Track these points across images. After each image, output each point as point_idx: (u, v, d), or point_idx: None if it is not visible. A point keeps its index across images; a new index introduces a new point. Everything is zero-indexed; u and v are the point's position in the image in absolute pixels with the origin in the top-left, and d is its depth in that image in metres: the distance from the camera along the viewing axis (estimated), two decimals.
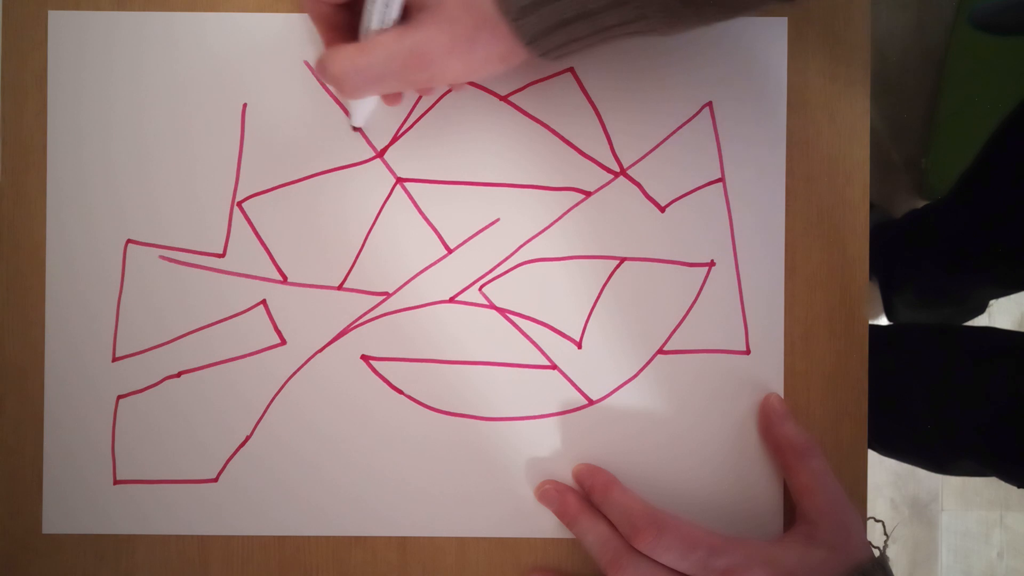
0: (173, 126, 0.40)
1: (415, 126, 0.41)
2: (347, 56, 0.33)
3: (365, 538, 0.41)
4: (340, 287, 0.41)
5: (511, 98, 0.41)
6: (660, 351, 0.41)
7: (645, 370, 0.40)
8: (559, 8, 0.31)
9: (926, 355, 0.68)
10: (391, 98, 0.39)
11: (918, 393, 0.65)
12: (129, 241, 0.40)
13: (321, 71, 0.34)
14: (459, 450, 0.40)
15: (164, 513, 0.40)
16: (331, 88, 0.34)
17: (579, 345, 0.41)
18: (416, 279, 0.41)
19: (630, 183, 0.41)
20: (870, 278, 0.41)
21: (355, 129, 0.40)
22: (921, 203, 1.06)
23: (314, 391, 0.41)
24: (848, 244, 0.41)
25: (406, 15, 0.33)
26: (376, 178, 0.41)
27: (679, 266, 0.41)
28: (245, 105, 0.40)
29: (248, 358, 0.41)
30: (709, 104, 0.41)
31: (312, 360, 0.41)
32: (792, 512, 0.39)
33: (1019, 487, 0.59)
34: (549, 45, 0.32)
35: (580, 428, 0.40)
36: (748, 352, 0.41)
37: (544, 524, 0.40)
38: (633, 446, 0.40)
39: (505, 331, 0.41)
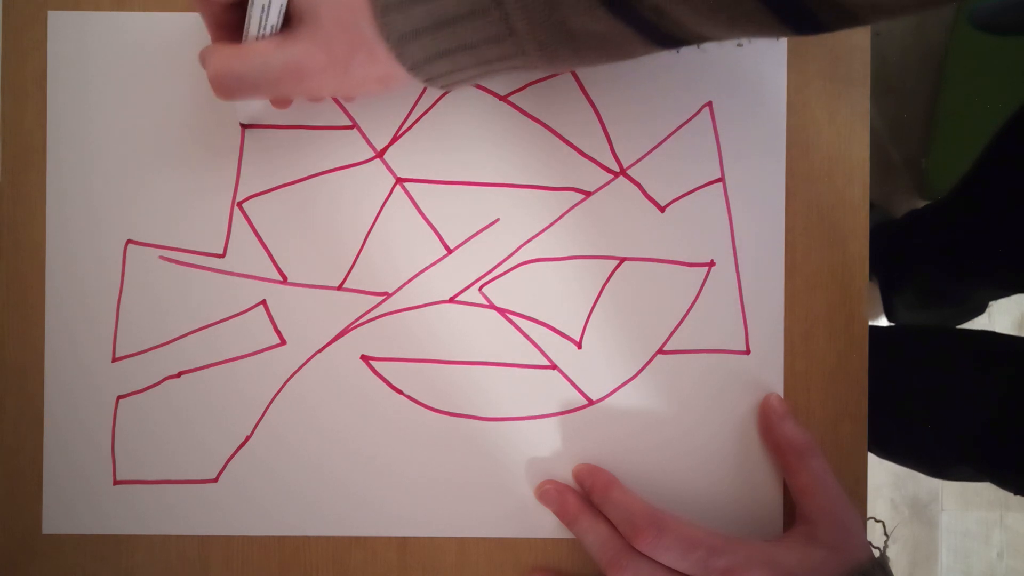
0: (173, 126, 0.40)
1: (415, 126, 0.41)
2: (223, 57, 0.32)
3: (365, 538, 0.41)
4: (340, 287, 0.41)
5: (511, 98, 0.41)
6: (660, 351, 0.41)
7: (645, 370, 0.40)
8: (439, 39, 0.30)
9: (926, 358, 0.68)
10: (278, 102, 0.38)
11: (917, 396, 0.65)
12: (129, 241, 0.40)
13: (203, 66, 0.33)
14: (459, 450, 0.40)
15: (164, 513, 0.40)
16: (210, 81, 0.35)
17: (579, 345, 0.41)
18: (416, 279, 0.41)
19: (630, 183, 0.41)
20: (870, 278, 0.41)
21: (243, 126, 0.40)
22: (921, 203, 1.06)
23: (314, 391, 0.41)
24: (848, 244, 0.41)
25: (288, 24, 0.32)
26: (376, 178, 0.41)
27: (679, 266, 0.41)
28: None
29: (248, 358, 0.41)
30: (709, 104, 0.41)
31: (312, 360, 0.41)
32: (792, 512, 0.39)
33: (1016, 494, 0.58)
34: (432, 73, 0.32)
35: (580, 428, 0.40)
36: (748, 352, 0.41)
37: (544, 524, 0.40)
38: (633, 446, 0.40)
39: (505, 331, 0.41)
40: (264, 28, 0.32)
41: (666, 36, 0.30)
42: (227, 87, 0.33)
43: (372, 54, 0.31)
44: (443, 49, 0.31)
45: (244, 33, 0.33)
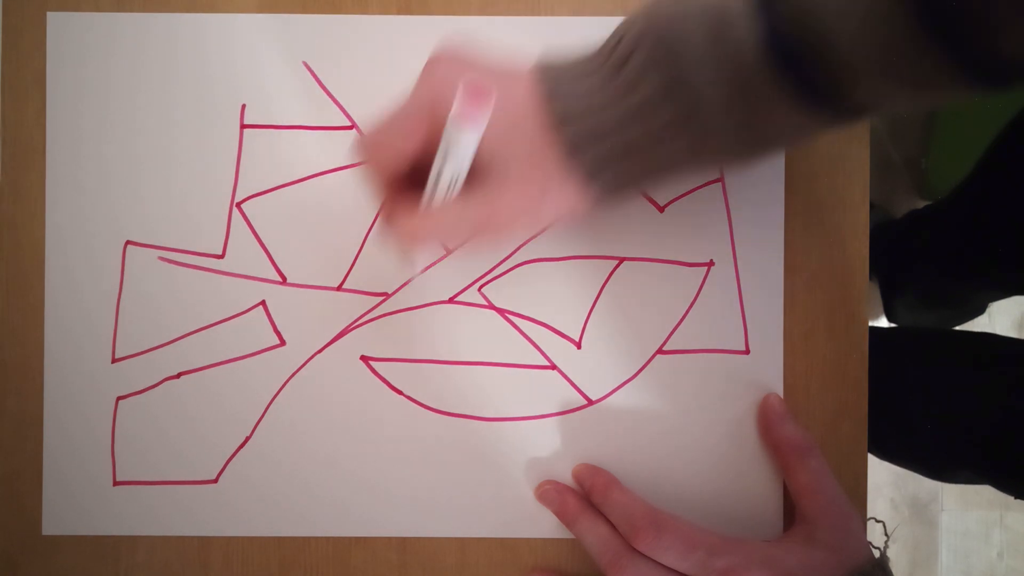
0: (172, 127, 0.40)
1: None
2: (416, 223, 0.33)
3: (365, 538, 0.41)
4: (339, 288, 0.41)
5: None
6: (660, 351, 0.41)
7: (645, 370, 0.40)
8: (630, 163, 0.31)
9: (926, 361, 0.68)
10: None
11: (917, 399, 0.65)
12: (128, 242, 0.40)
13: (387, 226, 0.34)
14: (459, 450, 0.40)
15: (164, 514, 0.40)
16: (394, 241, 0.35)
17: (579, 345, 0.41)
18: (415, 279, 0.41)
19: None
20: (870, 278, 0.41)
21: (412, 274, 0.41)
22: (921, 203, 1.05)
23: (314, 392, 0.41)
24: (848, 244, 0.41)
25: (471, 176, 0.32)
26: None
27: (678, 266, 0.41)
28: (244, 105, 0.40)
29: (248, 359, 0.41)
30: None
31: (312, 361, 0.41)
32: (792, 512, 0.39)
33: (1016, 498, 0.58)
34: (619, 195, 0.33)
35: (580, 428, 0.40)
36: (748, 352, 0.41)
37: (544, 524, 0.40)
38: (633, 446, 0.40)
39: (504, 331, 0.41)
40: (451, 193, 0.32)
41: (855, 117, 0.30)
42: (420, 245, 0.35)
43: (562, 190, 0.32)
44: (635, 173, 0.31)
45: (426, 198, 0.32)
